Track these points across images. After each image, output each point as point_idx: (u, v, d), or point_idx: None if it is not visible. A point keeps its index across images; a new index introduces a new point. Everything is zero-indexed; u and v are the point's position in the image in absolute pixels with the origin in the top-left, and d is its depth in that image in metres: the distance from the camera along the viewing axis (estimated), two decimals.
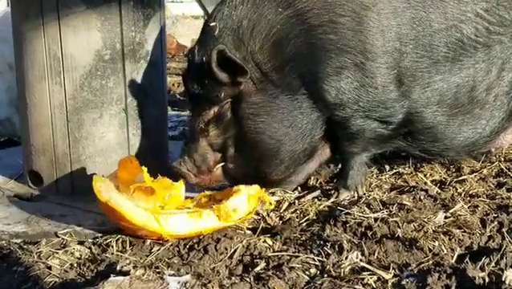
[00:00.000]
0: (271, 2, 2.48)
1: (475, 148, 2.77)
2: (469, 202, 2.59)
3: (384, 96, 2.52)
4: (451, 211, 2.48)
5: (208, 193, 2.56)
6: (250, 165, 2.61)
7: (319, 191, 2.76)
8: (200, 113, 2.59)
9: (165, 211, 2.34)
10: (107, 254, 2.24)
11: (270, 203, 2.51)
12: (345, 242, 2.20)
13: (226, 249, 2.22)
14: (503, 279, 1.91)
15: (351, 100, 2.51)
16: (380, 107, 2.53)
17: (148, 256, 2.22)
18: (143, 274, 1.98)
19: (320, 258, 2.13)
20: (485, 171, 2.97)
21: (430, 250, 2.16)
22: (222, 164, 2.63)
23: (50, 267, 2.16)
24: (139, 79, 2.74)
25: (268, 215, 2.51)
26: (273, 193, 2.71)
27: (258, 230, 2.39)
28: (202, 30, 2.60)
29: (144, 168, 2.42)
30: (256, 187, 2.46)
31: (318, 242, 2.24)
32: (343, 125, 2.58)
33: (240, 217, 2.38)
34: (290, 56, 2.48)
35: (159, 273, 2.03)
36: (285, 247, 2.25)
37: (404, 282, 1.97)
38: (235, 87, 2.50)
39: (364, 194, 2.69)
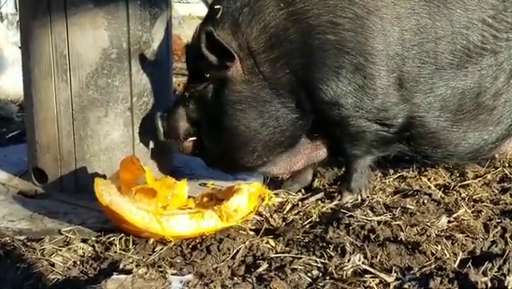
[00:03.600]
0: None
1: (479, 155, 2.75)
2: (473, 207, 2.59)
3: (383, 99, 2.52)
4: (454, 215, 2.48)
5: (209, 192, 2.57)
6: (222, 147, 2.63)
7: (323, 193, 2.76)
8: (189, 83, 2.67)
9: (167, 212, 2.34)
10: (110, 253, 2.24)
11: (271, 197, 2.51)
12: (348, 244, 2.20)
13: (229, 249, 2.23)
14: (506, 285, 1.91)
15: (349, 101, 2.51)
16: (379, 110, 2.53)
17: (150, 255, 2.22)
18: (145, 273, 1.99)
19: (323, 261, 2.13)
20: (489, 176, 2.97)
21: (433, 254, 2.16)
22: (194, 138, 2.66)
23: (53, 264, 2.17)
24: (145, 79, 2.74)
25: (271, 216, 2.52)
26: (276, 194, 2.71)
27: (261, 231, 2.39)
28: (208, 10, 2.65)
29: (147, 168, 2.42)
30: (257, 185, 2.46)
31: (320, 244, 2.24)
32: (340, 125, 2.58)
33: (241, 217, 2.38)
34: (285, 52, 2.49)
35: (161, 272, 2.04)
36: (287, 249, 2.25)
37: (406, 286, 1.97)
38: (223, 70, 2.52)
39: (368, 197, 2.69)
